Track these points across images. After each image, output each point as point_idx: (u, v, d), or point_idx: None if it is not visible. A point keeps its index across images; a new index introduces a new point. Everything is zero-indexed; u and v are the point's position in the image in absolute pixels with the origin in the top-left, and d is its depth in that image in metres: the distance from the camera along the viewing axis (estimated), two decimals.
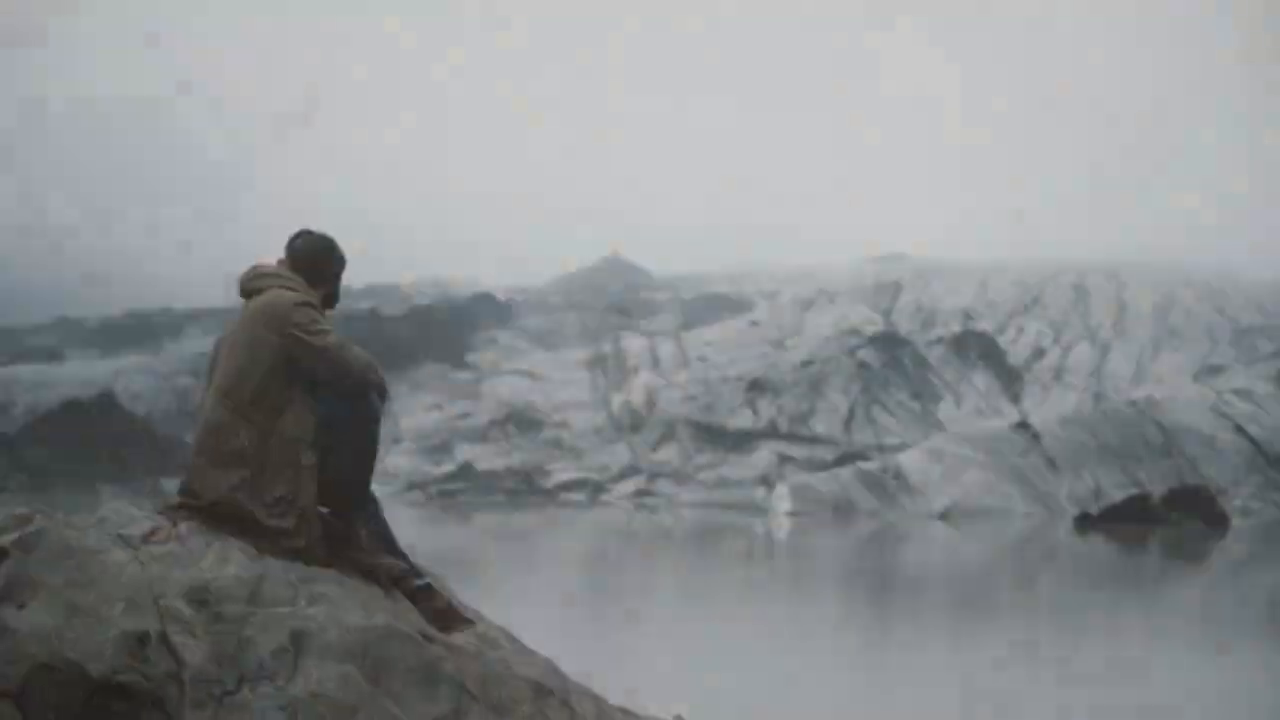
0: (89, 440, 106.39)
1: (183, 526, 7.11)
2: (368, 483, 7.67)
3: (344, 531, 7.52)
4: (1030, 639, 36.12)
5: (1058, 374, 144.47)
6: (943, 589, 51.34)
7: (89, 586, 6.55)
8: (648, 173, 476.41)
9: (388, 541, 7.75)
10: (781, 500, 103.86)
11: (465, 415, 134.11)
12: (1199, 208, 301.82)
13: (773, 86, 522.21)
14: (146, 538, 6.94)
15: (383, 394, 7.69)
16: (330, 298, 7.88)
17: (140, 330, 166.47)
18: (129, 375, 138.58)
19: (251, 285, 7.66)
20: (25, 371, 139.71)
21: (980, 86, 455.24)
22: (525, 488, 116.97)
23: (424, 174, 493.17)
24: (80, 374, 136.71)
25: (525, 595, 38.07)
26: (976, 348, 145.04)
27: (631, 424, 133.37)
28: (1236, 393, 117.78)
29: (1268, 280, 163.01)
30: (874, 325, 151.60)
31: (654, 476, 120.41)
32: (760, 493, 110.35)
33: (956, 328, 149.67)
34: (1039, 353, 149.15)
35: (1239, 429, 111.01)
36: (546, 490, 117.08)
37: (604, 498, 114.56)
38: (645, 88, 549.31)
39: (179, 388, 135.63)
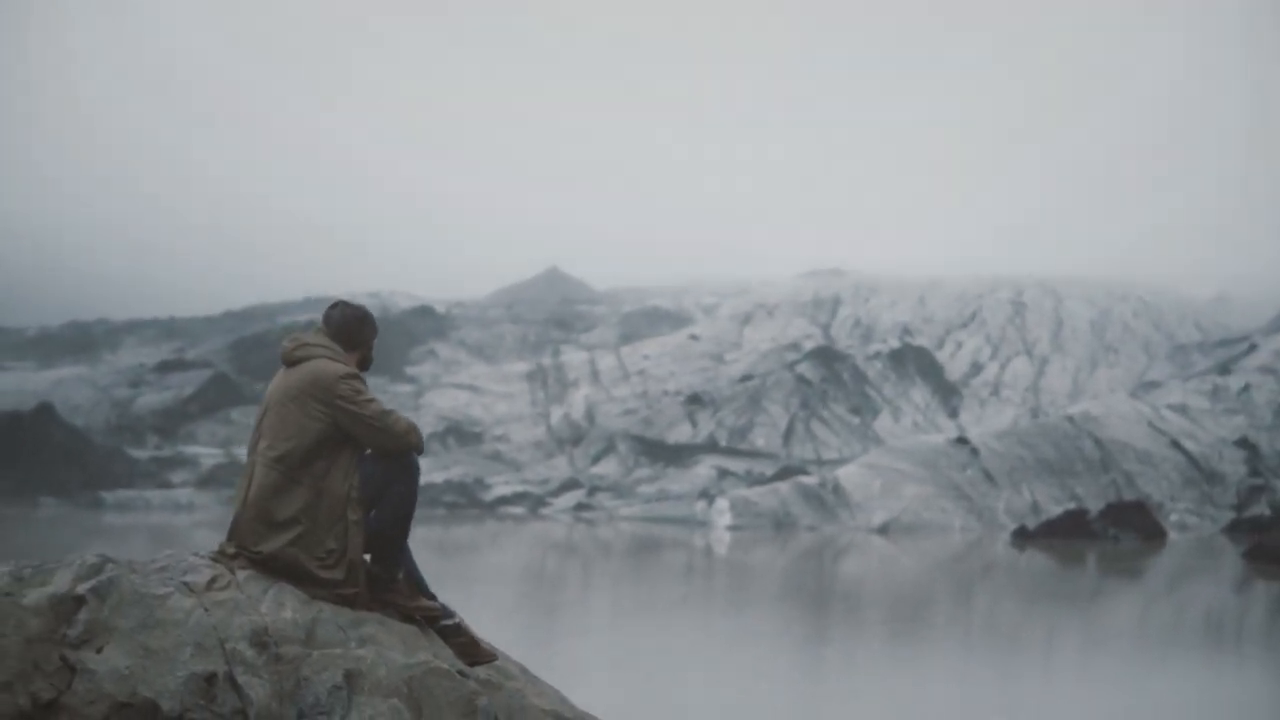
0: (27, 452, 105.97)
1: (240, 574, 7.77)
2: (407, 533, 8.43)
3: (385, 577, 8.25)
4: (966, 653, 36.90)
5: (995, 389, 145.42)
6: (880, 603, 51.98)
7: (159, 630, 7.18)
8: (587, 186, 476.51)
9: (421, 584, 8.51)
10: (721, 514, 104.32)
11: None
12: (1136, 224, 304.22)
13: (714, 102, 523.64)
14: (209, 585, 7.59)
15: (420, 452, 8.48)
16: (365, 361, 8.63)
17: (78, 341, 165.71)
18: (67, 386, 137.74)
19: (295, 354, 8.36)
20: None
21: (919, 104, 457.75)
22: (465, 501, 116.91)
23: (361, 185, 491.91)
24: (18, 385, 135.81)
25: (474, 611, 38.56)
26: (915, 362, 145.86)
27: (571, 437, 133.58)
28: (1172, 408, 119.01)
29: (1203, 296, 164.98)
30: (812, 340, 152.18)
31: (594, 490, 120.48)
32: (700, 506, 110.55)
33: (895, 342, 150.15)
34: (977, 368, 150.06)
35: (1175, 444, 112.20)
36: (486, 503, 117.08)
37: (544, 511, 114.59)
38: (586, 101, 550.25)
39: (117, 399, 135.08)
